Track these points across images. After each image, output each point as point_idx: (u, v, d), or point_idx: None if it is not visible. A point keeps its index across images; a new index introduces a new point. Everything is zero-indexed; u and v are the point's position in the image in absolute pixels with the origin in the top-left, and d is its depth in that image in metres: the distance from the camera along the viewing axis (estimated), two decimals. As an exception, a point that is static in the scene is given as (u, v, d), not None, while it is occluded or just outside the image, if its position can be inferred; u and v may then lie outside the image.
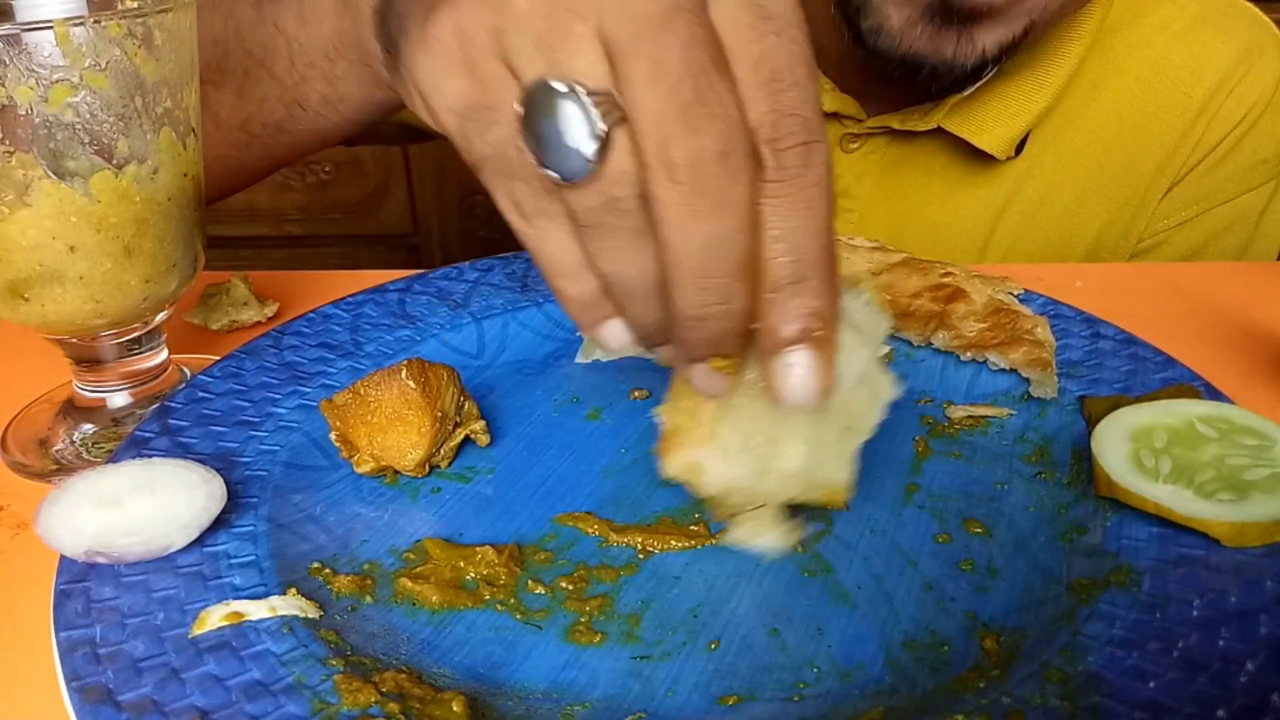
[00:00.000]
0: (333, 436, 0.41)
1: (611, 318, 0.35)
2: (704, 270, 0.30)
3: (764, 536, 0.36)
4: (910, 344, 0.51)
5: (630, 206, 0.31)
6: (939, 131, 0.73)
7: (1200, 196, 0.77)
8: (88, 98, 0.39)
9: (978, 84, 0.72)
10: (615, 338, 0.36)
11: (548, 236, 0.34)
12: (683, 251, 0.30)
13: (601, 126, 0.30)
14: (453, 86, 0.33)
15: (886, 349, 0.50)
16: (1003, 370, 0.47)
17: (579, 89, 0.30)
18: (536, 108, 0.31)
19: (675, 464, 0.35)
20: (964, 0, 0.59)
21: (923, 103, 0.73)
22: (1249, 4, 0.78)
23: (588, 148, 0.30)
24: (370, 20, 0.45)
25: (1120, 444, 0.39)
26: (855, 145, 0.76)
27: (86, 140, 0.40)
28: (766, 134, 0.30)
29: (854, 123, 0.75)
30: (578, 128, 0.30)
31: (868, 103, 0.75)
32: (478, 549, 0.37)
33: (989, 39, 0.63)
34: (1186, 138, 0.75)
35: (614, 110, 0.30)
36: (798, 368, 0.32)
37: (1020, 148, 0.73)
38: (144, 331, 0.47)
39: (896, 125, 0.73)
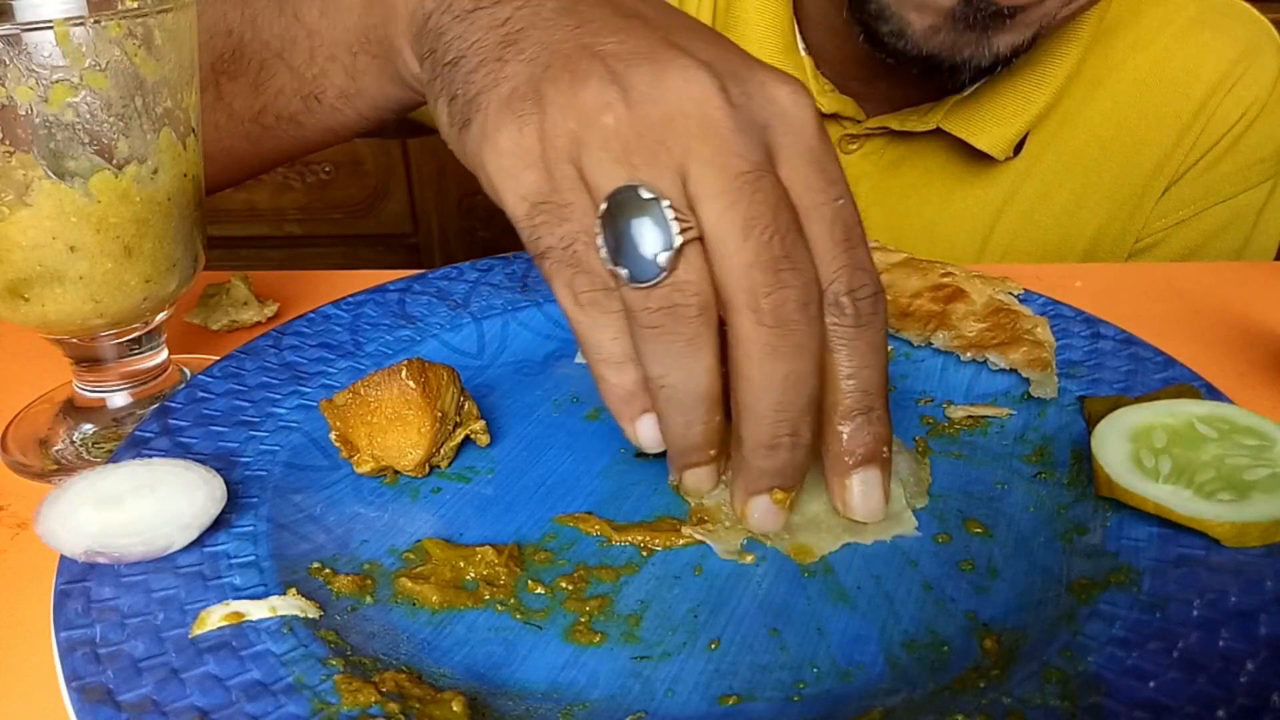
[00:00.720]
0: (333, 436, 0.41)
1: (649, 413, 0.38)
2: (780, 404, 0.34)
3: (718, 543, 0.38)
4: (910, 344, 0.51)
5: (689, 315, 0.34)
6: (938, 132, 0.73)
7: (1198, 196, 0.77)
8: (88, 98, 0.39)
9: (977, 85, 0.72)
10: (648, 434, 0.38)
11: (601, 327, 0.36)
12: (763, 387, 0.34)
13: (679, 238, 0.34)
14: (530, 179, 0.36)
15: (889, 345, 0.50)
16: (1003, 370, 0.47)
17: (664, 201, 0.34)
18: (620, 209, 0.34)
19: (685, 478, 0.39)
20: (993, 2, 0.59)
21: (922, 104, 0.73)
22: (1247, 4, 0.78)
23: (663, 256, 0.34)
24: (406, 24, 0.46)
25: (1120, 444, 0.39)
26: (854, 146, 0.76)
27: (86, 140, 0.40)
28: (845, 286, 0.35)
29: (853, 124, 0.75)
30: (656, 235, 0.34)
31: (866, 104, 0.75)
32: (478, 549, 0.37)
33: (1004, 40, 0.63)
34: (1184, 137, 0.75)
35: (690, 228, 0.34)
36: (868, 486, 0.37)
37: (1019, 148, 0.74)
38: (144, 331, 0.47)
39: (895, 126, 0.73)
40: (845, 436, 0.37)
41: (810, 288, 0.34)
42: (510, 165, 0.36)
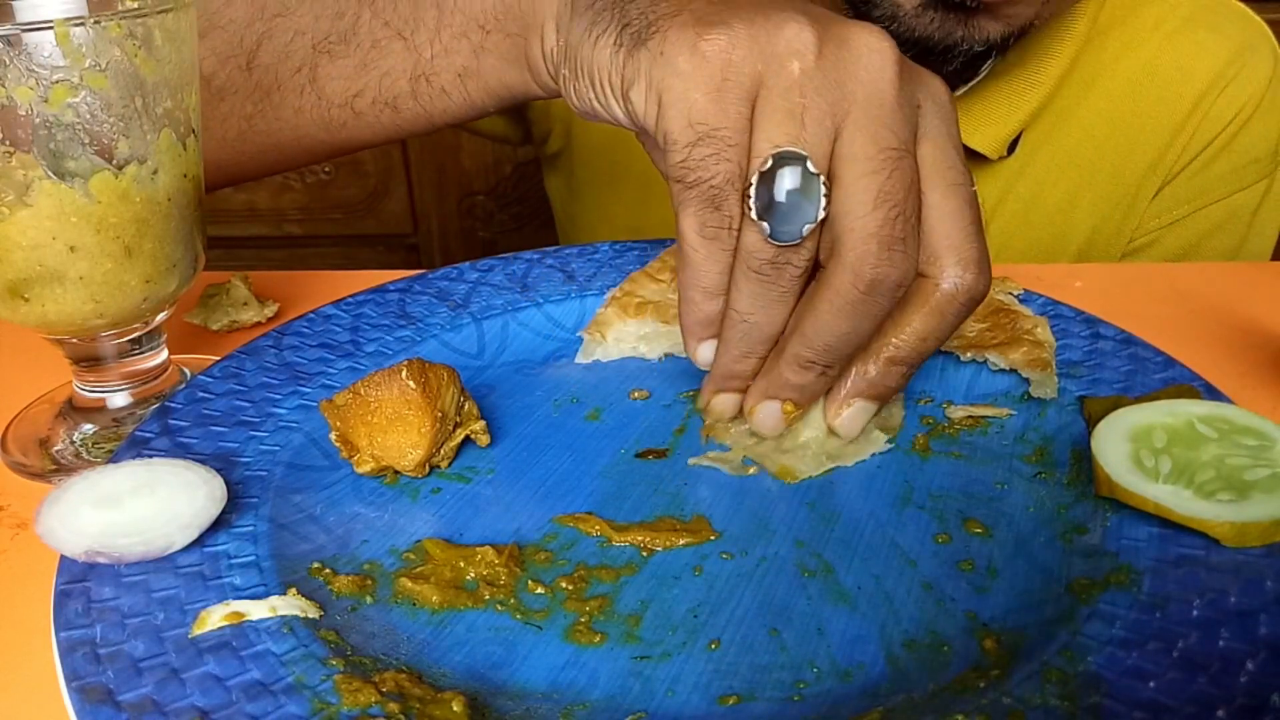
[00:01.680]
0: (333, 436, 0.41)
1: (713, 340, 0.42)
2: (830, 346, 0.39)
3: (723, 464, 0.43)
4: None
5: (795, 274, 0.38)
6: None
7: (1192, 196, 0.77)
8: (88, 98, 0.39)
9: (970, 84, 0.71)
10: (707, 354, 0.42)
11: (714, 260, 0.39)
12: (826, 329, 0.38)
13: (824, 213, 0.37)
14: (703, 105, 0.38)
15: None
16: (1003, 370, 0.47)
17: (821, 177, 0.36)
18: (782, 175, 0.37)
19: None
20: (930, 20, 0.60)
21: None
22: (1241, 3, 0.78)
23: (807, 227, 0.37)
24: None
25: (1120, 444, 0.39)
26: None
27: (86, 141, 0.40)
28: (961, 272, 0.38)
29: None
30: (809, 209, 0.37)
31: None
32: (478, 549, 0.37)
33: (993, 27, 0.63)
34: (1178, 137, 0.75)
35: (828, 199, 0.37)
36: (861, 413, 0.42)
37: (1013, 147, 0.73)
38: (144, 331, 0.47)
39: None
40: (872, 373, 0.41)
41: (909, 274, 0.37)
42: (685, 88, 0.38)
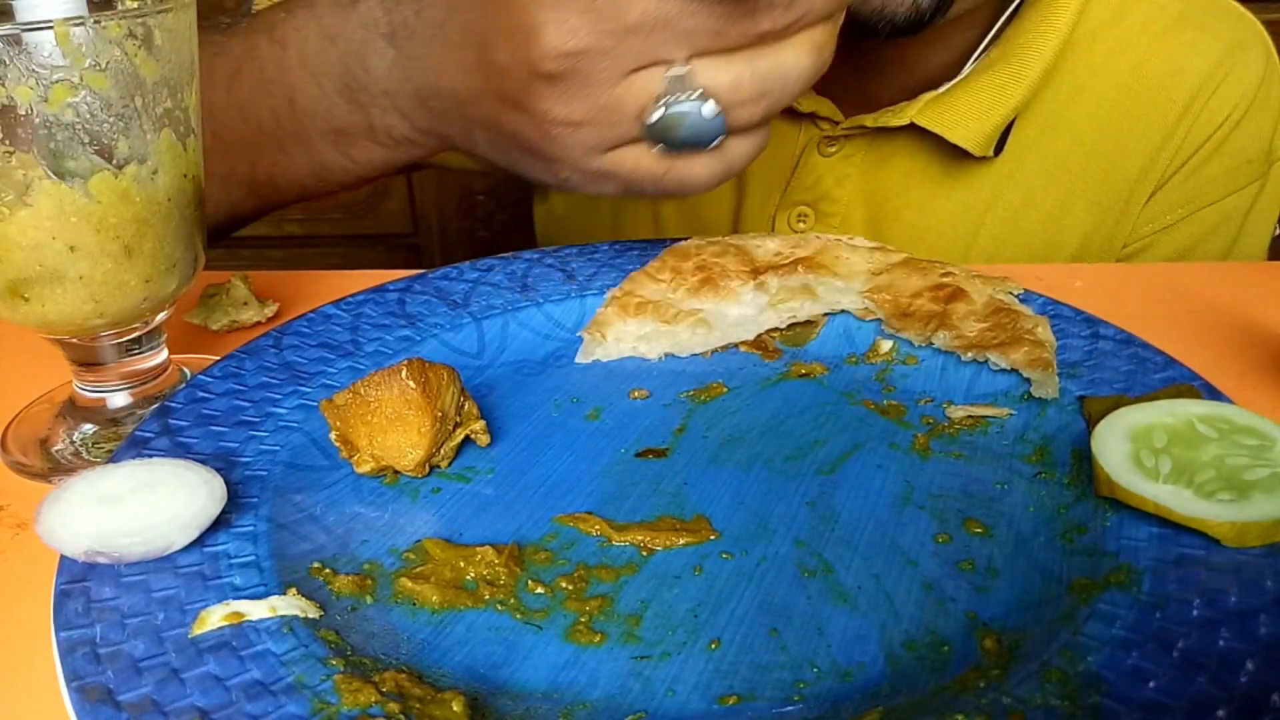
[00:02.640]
0: (333, 436, 0.41)
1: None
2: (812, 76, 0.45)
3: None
4: (911, 344, 0.51)
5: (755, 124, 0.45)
6: (915, 130, 0.72)
7: (1185, 200, 0.76)
8: (88, 98, 0.39)
9: (953, 80, 0.71)
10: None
11: (690, 169, 0.46)
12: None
13: (716, 115, 0.42)
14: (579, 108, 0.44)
15: (889, 344, 0.51)
16: (1003, 370, 0.47)
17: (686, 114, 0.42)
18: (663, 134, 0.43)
19: None
20: None
21: (898, 102, 0.72)
22: (1234, 1, 0.77)
23: (717, 128, 0.43)
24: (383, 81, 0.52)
25: (1120, 444, 0.39)
26: (833, 149, 0.75)
27: (86, 140, 0.40)
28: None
29: (830, 124, 0.74)
30: (701, 123, 0.42)
31: (844, 105, 0.74)
32: (478, 549, 0.37)
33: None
34: (1169, 140, 0.74)
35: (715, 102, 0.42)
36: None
37: (999, 149, 0.73)
38: (144, 331, 0.47)
39: (870, 124, 0.72)
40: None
41: (793, 45, 0.43)
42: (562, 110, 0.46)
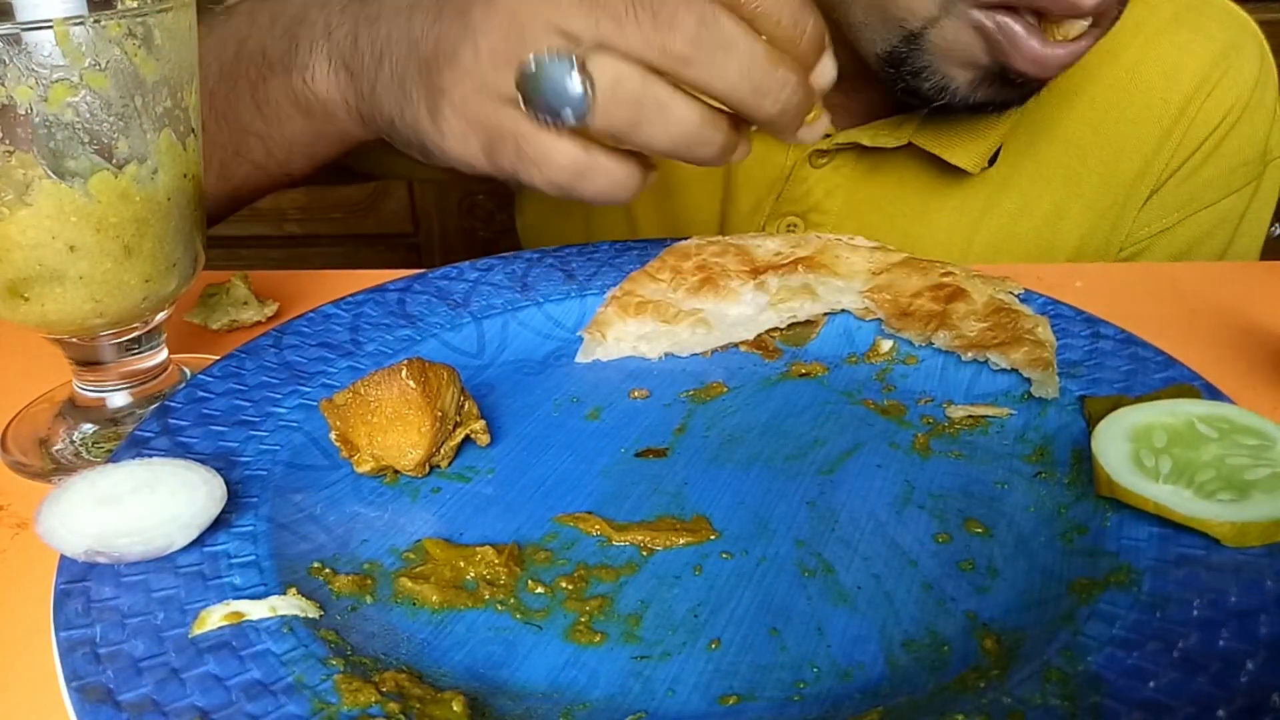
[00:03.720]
0: (333, 436, 0.41)
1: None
2: (756, 85, 0.42)
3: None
4: (911, 344, 0.51)
5: (637, 97, 0.42)
6: (909, 146, 0.72)
7: (1182, 203, 0.75)
8: (88, 98, 0.39)
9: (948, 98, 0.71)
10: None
11: (601, 173, 0.45)
12: (733, 91, 0.42)
13: (579, 80, 0.41)
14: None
15: (889, 344, 0.51)
16: (1003, 370, 0.47)
17: (545, 67, 0.42)
18: (528, 94, 0.43)
19: None
20: (1021, 72, 0.60)
21: (893, 115, 0.72)
22: (1227, 1, 0.76)
23: (579, 89, 0.42)
24: (366, 127, 0.55)
25: (1120, 444, 0.39)
26: (824, 161, 0.74)
27: (86, 140, 0.40)
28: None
29: (822, 138, 0.74)
30: (562, 82, 0.42)
31: (836, 118, 0.73)
32: (478, 549, 0.37)
33: (1038, 84, 0.64)
34: (1165, 143, 0.73)
35: (582, 66, 0.41)
36: (828, 65, 0.47)
37: (993, 160, 0.72)
38: (144, 331, 0.47)
39: (866, 142, 0.72)
40: (803, 54, 0.45)
41: (690, 5, 0.41)
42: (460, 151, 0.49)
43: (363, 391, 0.40)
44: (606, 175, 0.45)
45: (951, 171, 0.72)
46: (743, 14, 0.43)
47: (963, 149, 0.71)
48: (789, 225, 0.77)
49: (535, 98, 0.43)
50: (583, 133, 0.44)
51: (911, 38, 0.62)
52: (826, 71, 0.47)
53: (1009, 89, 0.63)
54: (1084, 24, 0.59)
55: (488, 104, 0.46)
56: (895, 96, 0.67)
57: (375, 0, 0.53)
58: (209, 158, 0.61)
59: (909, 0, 0.60)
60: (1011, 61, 0.60)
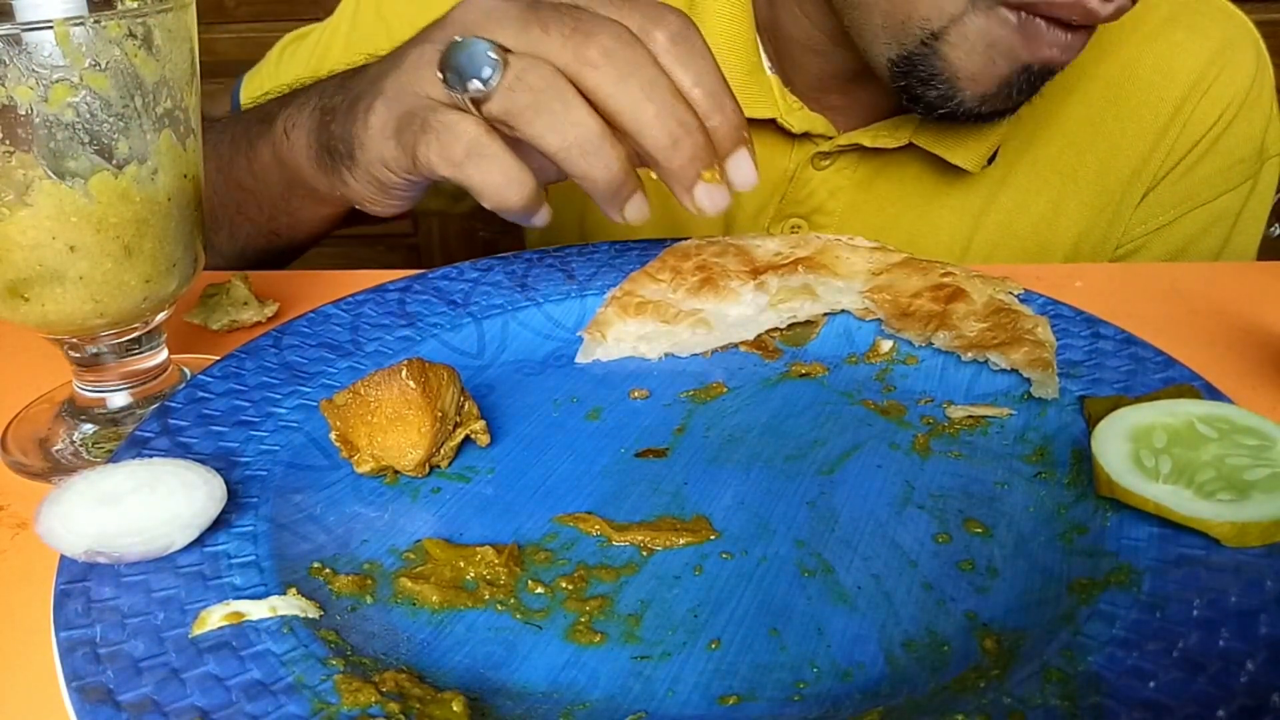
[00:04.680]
0: (333, 436, 0.41)
1: (542, 208, 0.48)
2: (657, 109, 0.43)
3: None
4: (911, 344, 0.51)
5: (541, 85, 0.43)
6: (910, 147, 0.72)
7: (1178, 200, 0.76)
8: (88, 98, 0.39)
9: None
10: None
11: (494, 160, 0.45)
12: (635, 107, 0.43)
13: (494, 55, 0.43)
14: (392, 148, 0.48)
15: (889, 344, 0.51)
16: (1003, 370, 0.47)
17: (468, 43, 0.44)
18: (446, 62, 0.45)
19: None
20: (1049, 61, 0.61)
21: (894, 116, 0.72)
22: (1224, 0, 0.77)
23: (490, 62, 0.43)
24: (315, 161, 0.57)
25: (1120, 444, 0.39)
26: (826, 162, 0.75)
27: (86, 140, 0.40)
28: (648, 23, 0.44)
29: (825, 140, 0.74)
30: (478, 55, 0.44)
31: (837, 119, 0.74)
32: (478, 549, 0.37)
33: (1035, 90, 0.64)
34: (1161, 141, 0.74)
35: (502, 50, 0.44)
36: (742, 162, 0.46)
37: (992, 158, 0.73)
38: (144, 331, 0.47)
39: (867, 143, 0.73)
40: (714, 132, 0.45)
41: (614, 25, 0.43)
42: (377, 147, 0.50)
43: (363, 392, 0.40)
44: (500, 164, 0.45)
45: (952, 171, 0.73)
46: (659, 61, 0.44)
47: (963, 149, 0.71)
48: (793, 227, 0.77)
49: (451, 64, 0.44)
50: (489, 123, 0.45)
51: (932, 37, 0.61)
52: (742, 165, 0.46)
53: (1009, 99, 0.64)
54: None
55: (413, 93, 0.47)
56: (899, 102, 0.67)
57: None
58: (223, 219, 0.68)
59: None
60: (1033, 51, 0.60)
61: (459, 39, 0.44)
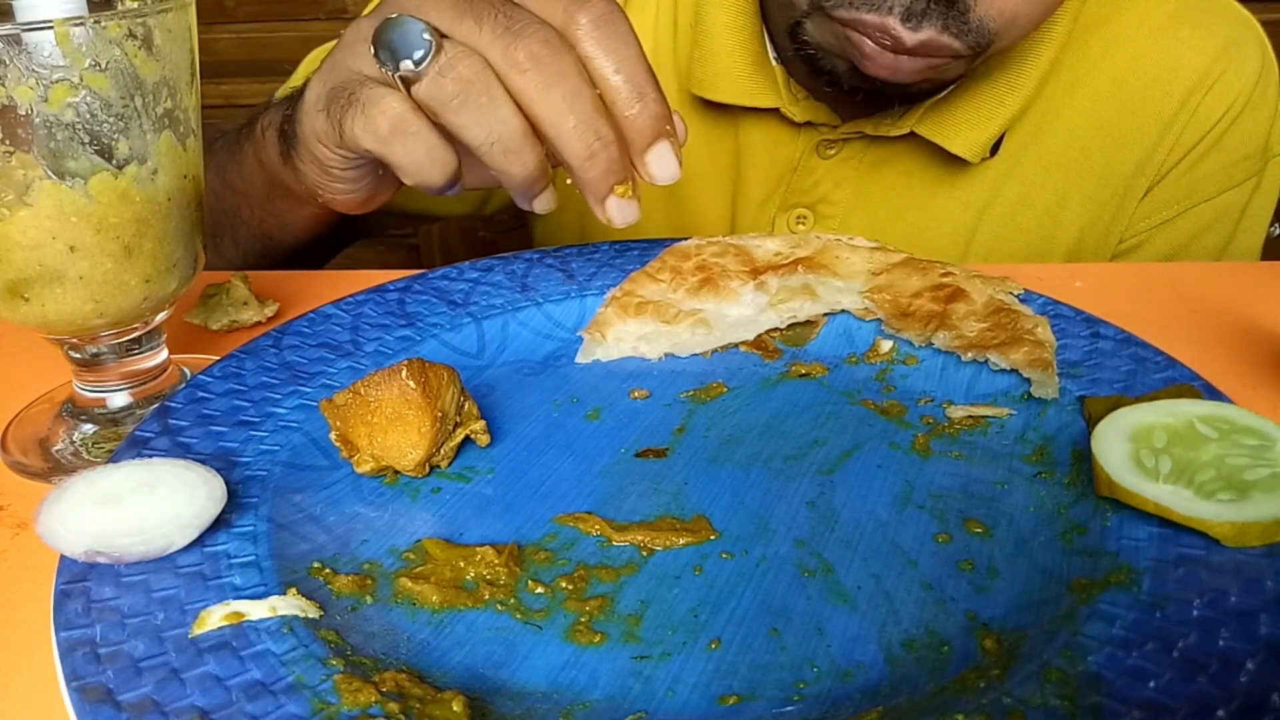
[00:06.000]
0: (333, 436, 0.41)
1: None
2: (576, 120, 0.44)
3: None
4: (911, 344, 0.51)
5: (470, 78, 0.44)
6: (913, 136, 0.72)
7: (1181, 196, 0.76)
8: (88, 98, 0.39)
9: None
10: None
11: (418, 137, 0.45)
12: (556, 116, 0.44)
13: (428, 37, 0.44)
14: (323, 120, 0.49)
15: (889, 344, 0.51)
16: (1003, 370, 0.47)
17: (403, 21, 0.44)
18: (380, 37, 0.45)
19: None
20: (872, 76, 0.64)
21: (895, 106, 0.72)
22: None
23: (423, 44, 0.44)
24: (278, 151, 0.57)
25: (1120, 444, 0.39)
26: (832, 151, 0.76)
27: (86, 140, 0.40)
28: (572, 7, 0.44)
29: (828, 129, 0.75)
30: (412, 35, 0.44)
31: (841, 108, 0.74)
32: (478, 549, 0.37)
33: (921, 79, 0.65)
34: (1165, 136, 0.74)
35: (436, 33, 0.44)
36: (663, 155, 0.46)
37: (995, 149, 0.73)
38: (144, 331, 0.47)
39: (870, 131, 0.73)
40: (633, 121, 0.45)
41: (544, 28, 0.43)
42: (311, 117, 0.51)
43: (363, 392, 0.40)
44: (424, 143, 0.45)
45: (956, 163, 0.73)
46: (586, 66, 0.44)
47: (961, 138, 0.71)
48: (798, 217, 0.77)
49: (384, 42, 0.44)
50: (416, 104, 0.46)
51: (797, 25, 0.66)
52: (663, 157, 0.46)
53: (887, 94, 0.67)
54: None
55: (346, 68, 0.48)
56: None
57: None
58: (225, 224, 0.69)
59: None
60: (863, 66, 0.63)
61: (394, 16, 0.45)
